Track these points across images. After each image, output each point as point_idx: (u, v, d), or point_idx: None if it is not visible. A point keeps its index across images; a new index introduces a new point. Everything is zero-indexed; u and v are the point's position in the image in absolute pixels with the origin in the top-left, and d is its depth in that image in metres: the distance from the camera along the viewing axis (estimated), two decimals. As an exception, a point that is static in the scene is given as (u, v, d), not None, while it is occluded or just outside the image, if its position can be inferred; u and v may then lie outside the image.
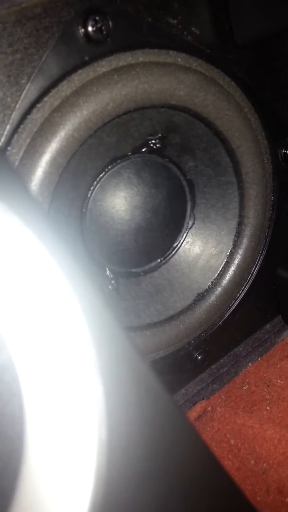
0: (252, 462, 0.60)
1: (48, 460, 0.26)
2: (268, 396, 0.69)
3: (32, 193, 0.47)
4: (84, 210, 0.60)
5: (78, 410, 0.26)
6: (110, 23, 0.50)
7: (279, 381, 0.72)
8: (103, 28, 0.49)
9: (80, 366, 0.27)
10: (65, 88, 0.49)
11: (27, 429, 0.26)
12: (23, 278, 0.27)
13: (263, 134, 0.66)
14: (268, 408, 0.67)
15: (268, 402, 0.68)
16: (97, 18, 0.48)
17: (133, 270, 0.67)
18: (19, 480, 0.26)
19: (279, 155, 0.69)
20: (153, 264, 0.68)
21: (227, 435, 0.64)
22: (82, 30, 0.49)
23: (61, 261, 0.28)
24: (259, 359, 0.76)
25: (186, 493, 0.32)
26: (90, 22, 0.48)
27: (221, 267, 0.69)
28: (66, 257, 0.28)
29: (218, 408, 0.67)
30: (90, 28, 0.48)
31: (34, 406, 0.26)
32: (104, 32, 0.49)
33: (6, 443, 0.26)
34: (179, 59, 0.56)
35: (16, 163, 0.49)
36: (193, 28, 0.56)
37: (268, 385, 0.71)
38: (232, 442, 0.63)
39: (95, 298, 0.29)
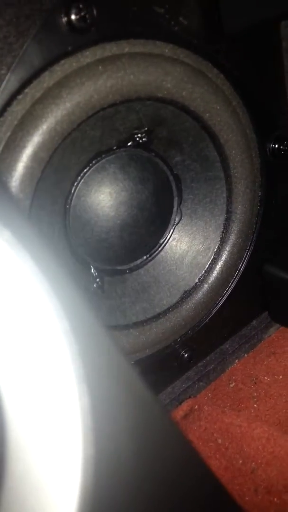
0: (240, 461, 0.60)
1: (30, 471, 0.25)
2: (255, 394, 0.69)
3: (12, 190, 0.45)
4: (67, 206, 0.58)
5: (62, 419, 0.25)
6: (94, 11, 0.47)
7: (266, 378, 0.71)
8: (87, 16, 0.47)
9: (63, 375, 0.25)
10: (47, 79, 0.47)
11: (8, 445, 0.25)
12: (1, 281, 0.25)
13: (252, 128, 0.65)
14: (255, 405, 0.67)
15: (255, 399, 0.68)
16: (80, 6, 0.46)
17: (119, 267, 0.65)
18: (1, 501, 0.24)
19: (267, 149, 0.67)
20: (139, 261, 0.67)
21: (215, 434, 0.63)
22: (65, 18, 0.46)
23: (41, 260, 0.26)
24: (246, 356, 0.76)
25: (174, 495, 0.31)
26: (74, 10, 0.46)
27: (208, 263, 0.68)
28: (46, 256, 0.26)
29: (205, 407, 0.66)
30: (73, 17, 0.46)
31: (15, 417, 0.25)
32: (88, 20, 0.47)
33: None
34: (166, 50, 0.54)
35: (-4, 158, 0.47)
36: (180, 18, 0.54)
37: (255, 382, 0.71)
38: (219, 441, 0.63)
39: (79, 301, 0.27)
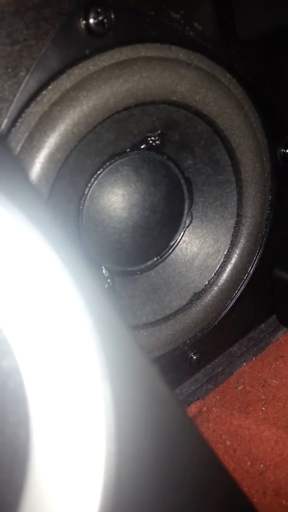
0: (249, 463, 0.60)
1: (54, 469, 0.25)
2: (263, 396, 0.69)
3: (33, 184, 0.46)
4: (81, 207, 0.58)
5: (86, 415, 0.26)
6: (112, 15, 0.48)
7: (274, 381, 0.71)
8: (105, 20, 0.48)
9: (87, 372, 0.26)
10: (65, 82, 0.48)
11: (33, 438, 0.25)
12: (26, 277, 0.26)
13: (263, 132, 0.65)
14: (263, 408, 0.67)
15: (263, 402, 0.68)
16: (99, 10, 0.47)
17: (130, 268, 0.66)
18: (24, 492, 0.25)
19: (278, 154, 0.68)
20: (149, 262, 0.67)
21: (223, 436, 0.64)
22: (84, 22, 0.47)
23: (66, 258, 0.26)
24: (254, 358, 0.76)
25: (190, 491, 0.31)
26: (92, 14, 0.47)
27: (218, 266, 0.68)
28: (71, 254, 0.27)
29: (213, 409, 0.67)
30: (91, 20, 0.47)
31: (40, 414, 0.25)
32: (106, 24, 0.48)
33: (10, 453, 0.25)
34: (181, 55, 0.55)
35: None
36: (195, 23, 0.55)
37: (263, 385, 0.71)
38: (228, 443, 0.63)
39: (102, 298, 0.28)
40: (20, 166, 0.32)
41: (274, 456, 0.59)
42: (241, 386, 0.72)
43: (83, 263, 0.27)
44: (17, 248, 0.26)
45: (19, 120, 0.47)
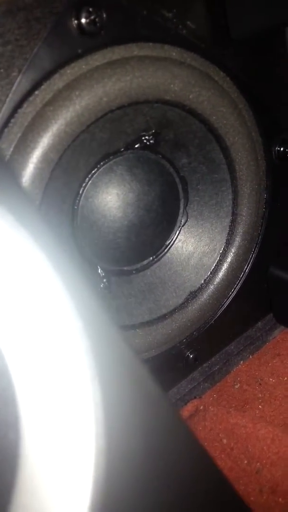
0: (245, 461, 0.60)
1: (44, 468, 0.25)
2: (260, 395, 0.69)
3: (24, 187, 0.46)
4: (75, 207, 0.58)
5: (76, 415, 0.26)
6: (104, 15, 0.48)
7: (270, 379, 0.71)
8: (97, 20, 0.48)
9: (77, 372, 0.26)
10: (57, 81, 0.48)
11: (23, 438, 0.25)
12: (15, 279, 0.26)
13: (257, 131, 0.65)
14: (260, 406, 0.67)
15: (260, 400, 0.68)
16: (90, 9, 0.47)
17: (125, 268, 0.66)
18: (14, 492, 0.25)
19: (273, 152, 0.68)
20: (145, 262, 0.67)
21: (220, 435, 0.64)
22: (75, 21, 0.47)
23: (56, 260, 0.27)
24: (251, 357, 0.76)
25: (181, 491, 0.31)
26: (84, 14, 0.47)
27: (214, 265, 0.68)
28: (61, 256, 0.27)
29: (210, 407, 0.67)
30: (83, 20, 0.47)
31: (29, 414, 0.25)
32: (98, 24, 0.48)
33: (0, 453, 0.25)
34: (174, 54, 0.55)
35: (7, 159, 0.47)
36: (188, 22, 0.54)
37: (260, 384, 0.71)
38: (224, 441, 0.63)
39: (91, 300, 0.28)
40: (9, 167, 0.32)
41: (270, 454, 0.59)
42: (238, 385, 0.72)
43: (73, 265, 0.27)
44: (6, 250, 0.26)
45: (12, 120, 0.47)
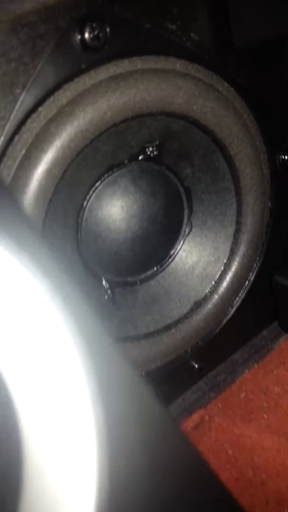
0: (251, 472, 0.60)
1: (47, 486, 0.25)
2: (265, 404, 0.69)
3: (26, 211, 0.46)
4: (79, 220, 0.58)
5: (77, 433, 0.26)
6: (108, 29, 0.48)
7: (276, 388, 0.71)
8: (100, 35, 0.47)
9: (78, 391, 0.26)
10: (61, 97, 0.48)
11: (24, 465, 0.25)
12: (15, 298, 0.26)
13: (262, 139, 0.65)
14: (265, 416, 0.67)
15: (265, 410, 0.68)
16: (94, 25, 0.47)
17: (130, 279, 0.66)
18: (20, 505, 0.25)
19: (277, 161, 0.68)
20: (149, 272, 0.67)
21: (225, 445, 0.64)
22: (79, 37, 0.47)
23: (55, 280, 0.26)
24: (256, 365, 0.76)
25: (185, 508, 0.31)
26: (87, 29, 0.47)
27: (218, 274, 0.68)
28: (60, 275, 0.27)
29: (215, 418, 0.67)
30: (86, 35, 0.47)
31: (32, 438, 0.25)
32: (101, 39, 0.48)
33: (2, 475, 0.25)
34: (178, 65, 0.54)
35: (11, 175, 0.47)
36: (192, 34, 0.54)
37: (265, 393, 0.71)
38: (230, 452, 0.63)
39: (91, 318, 0.28)
40: (9, 192, 0.31)
41: (276, 465, 0.59)
42: (243, 394, 0.72)
43: (71, 281, 0.27)
44: (6, 276, 0.26)
45: (16, 137, 0.47)
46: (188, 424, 0.68)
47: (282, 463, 0.59)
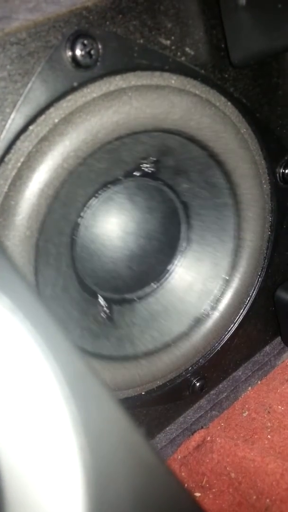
0: (254, 497, 0.58)
1: None
2: (269, 424, 0.67)
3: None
4: (74, 237, 0.57)
5: (66, 486, 0.24)
6: (100, 46, 0.47)
7: (279, 407, 0.69)
8: (91, 52, 0.47)
9: (65, 441, 0.25)
10: (53, 116, 0.47)
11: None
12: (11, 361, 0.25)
13: (261, 154, 0.64)
14: (269, 437, 0.65)
15: (269, 430, 0.66)
16: (85, 42, 0.46)
17: (127, 296, 0.64)
18: None
19: (277, 175, 0.66)
20: (147, 289, 0.66)
21: (228, 468, 0.62)
22: (70, 54, 0.46)
23: (42, 328, 0.25)
24: (259, 382, 0.74)
25: None
26: (78, 46, 0.46)
27: (218, 290, 0.67)
28: (47, 323, 0.26)
29: (217, 439, 0.65)
30: (78, 52, 0.46)
31: (15, 487, 0.24)
32: (93, 56, 0.47)
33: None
34: (173, 81, 0.53)
35: (2, 195, 0.46)
36: (187, 49, 0.53)
37: (268, 412, 0.69)
38: (232, 475, 0.61)
39: (79, 365, 0.27)
40: (3, 249, 0.31)
41: (280, 490, 0.57)
42: (246, 413, 0.70)
43: (58, 328, 0.26)
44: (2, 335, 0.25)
45: (7, 156, 0.46)
46: (190, 444, 0.67)
47: (286, 488, 0.57)
